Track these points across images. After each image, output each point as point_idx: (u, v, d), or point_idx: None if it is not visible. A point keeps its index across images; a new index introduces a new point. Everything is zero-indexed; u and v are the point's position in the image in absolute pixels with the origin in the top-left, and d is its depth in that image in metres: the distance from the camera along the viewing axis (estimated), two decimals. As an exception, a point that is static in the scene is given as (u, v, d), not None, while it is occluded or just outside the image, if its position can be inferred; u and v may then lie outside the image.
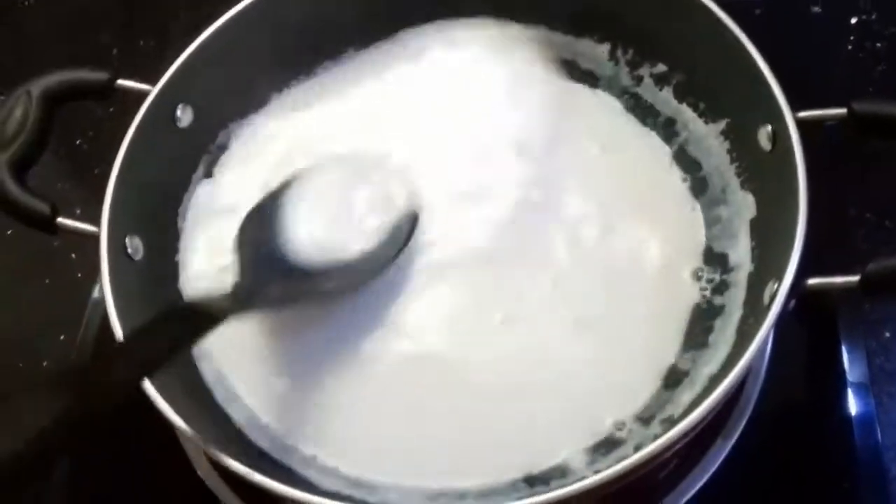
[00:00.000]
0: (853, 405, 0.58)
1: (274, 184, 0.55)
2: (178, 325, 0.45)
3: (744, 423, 0.55)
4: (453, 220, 0.56)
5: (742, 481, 0.55)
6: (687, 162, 0.59)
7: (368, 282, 0.53)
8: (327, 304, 0.53)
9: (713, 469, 0.54)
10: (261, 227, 0.52)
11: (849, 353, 0.59)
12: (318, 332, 0.53)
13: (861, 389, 0.58)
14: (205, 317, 0.45)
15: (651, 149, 0.60)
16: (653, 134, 0.60)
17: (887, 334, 0.61)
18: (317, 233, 0.53)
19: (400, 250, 0.54)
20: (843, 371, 0.59)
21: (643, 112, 0.61)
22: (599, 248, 0.55)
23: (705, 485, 0.54)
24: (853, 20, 0.72)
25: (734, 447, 0.54)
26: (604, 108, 0.62)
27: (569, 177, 0.57)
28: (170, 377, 0.47)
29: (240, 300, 0.48)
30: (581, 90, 0.62)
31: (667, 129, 0.60)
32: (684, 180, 0.58)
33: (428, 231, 0.55)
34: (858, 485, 0.56)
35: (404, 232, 0.54)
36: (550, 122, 0.59)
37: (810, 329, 0.61)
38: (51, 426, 0.37)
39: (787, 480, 0.56)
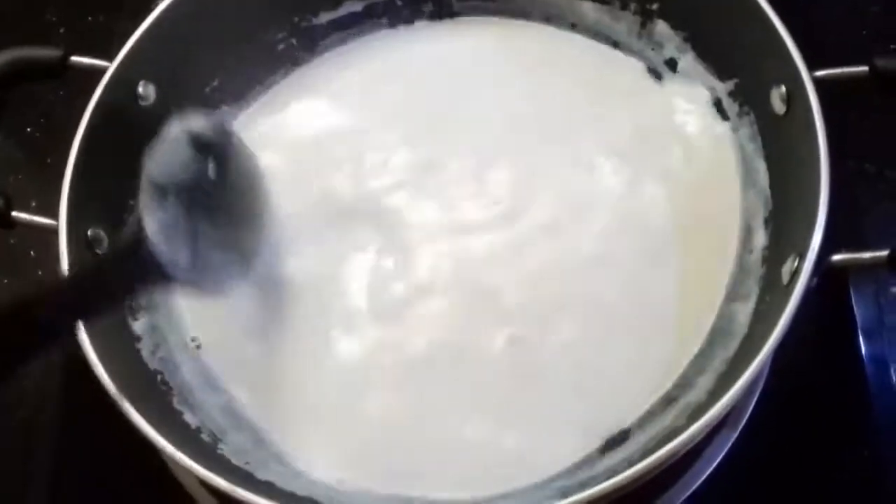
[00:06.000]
0: (868, 362, 0.55)
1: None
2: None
3: (754, 401, 0.52)
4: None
5: (752, 466, 0.52)
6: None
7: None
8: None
9: (723, 453, 0.51)
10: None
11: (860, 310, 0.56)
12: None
13: (875, 345, 0.55)
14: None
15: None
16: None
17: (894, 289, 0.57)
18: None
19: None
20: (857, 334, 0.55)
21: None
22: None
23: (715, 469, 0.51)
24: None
25: (745, 427, 0.52)
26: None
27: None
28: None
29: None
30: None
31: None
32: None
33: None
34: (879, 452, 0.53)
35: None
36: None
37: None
38: None
39: (801, 459, 0.53)
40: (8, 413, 0.59)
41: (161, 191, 0.46)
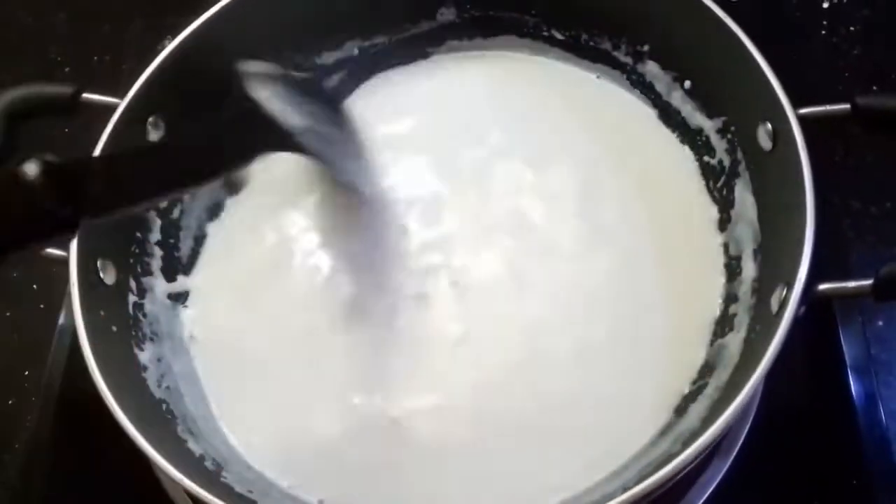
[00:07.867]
0: (856, 394, 0.56)
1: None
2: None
3: (746, 431, 0.53)
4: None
5: (744, 496, 0.53)
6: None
7: None
8: None
9: (715, 482, 0.53)
10: None
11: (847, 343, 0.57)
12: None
13: (863, 378, 0.56)
14: None
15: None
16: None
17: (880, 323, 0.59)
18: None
19: None
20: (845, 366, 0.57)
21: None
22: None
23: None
24: (825, 4, 0.70)
25: (736, 457, 0.53)
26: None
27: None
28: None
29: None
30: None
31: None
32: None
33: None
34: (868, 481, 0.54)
35: None
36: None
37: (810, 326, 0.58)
38: None
39: (791, 489, 0.54)
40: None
41: (262, 77, 0.47)
